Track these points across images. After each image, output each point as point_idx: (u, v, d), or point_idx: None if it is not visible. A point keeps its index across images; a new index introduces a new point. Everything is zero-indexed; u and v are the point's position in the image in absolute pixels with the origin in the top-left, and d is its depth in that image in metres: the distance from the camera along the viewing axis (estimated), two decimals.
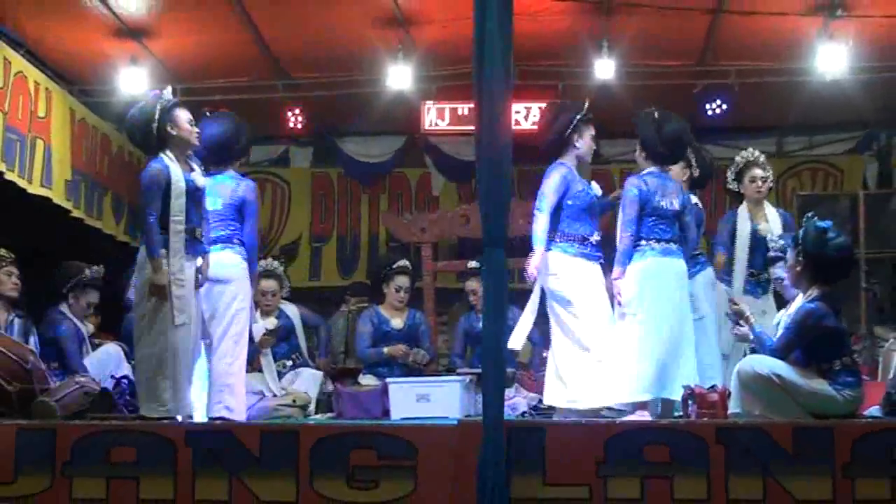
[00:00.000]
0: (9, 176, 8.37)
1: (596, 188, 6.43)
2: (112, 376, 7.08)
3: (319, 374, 7.84)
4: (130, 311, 7.95)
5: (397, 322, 8.00)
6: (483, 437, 4.91)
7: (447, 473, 5.11)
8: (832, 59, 9.12)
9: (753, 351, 5.94)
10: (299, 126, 10.60)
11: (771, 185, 7.51)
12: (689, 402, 5.62)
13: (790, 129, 11.29)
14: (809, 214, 5.88)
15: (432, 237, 9.53)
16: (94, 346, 7.82)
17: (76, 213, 9.49)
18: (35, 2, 8.58)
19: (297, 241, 11.64)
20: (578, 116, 6.33)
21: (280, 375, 7.63)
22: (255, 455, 5.24)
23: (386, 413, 6.73)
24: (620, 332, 6.08)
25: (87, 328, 7.98)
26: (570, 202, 6.25)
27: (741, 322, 5.88)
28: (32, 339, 7.30)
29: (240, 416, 6.25)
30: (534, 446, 5.11)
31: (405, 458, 5.17)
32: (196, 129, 6.14)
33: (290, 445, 5.25)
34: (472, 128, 5.48)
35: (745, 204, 7.40)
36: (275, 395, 7.36)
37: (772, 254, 6.94)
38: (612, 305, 6.19)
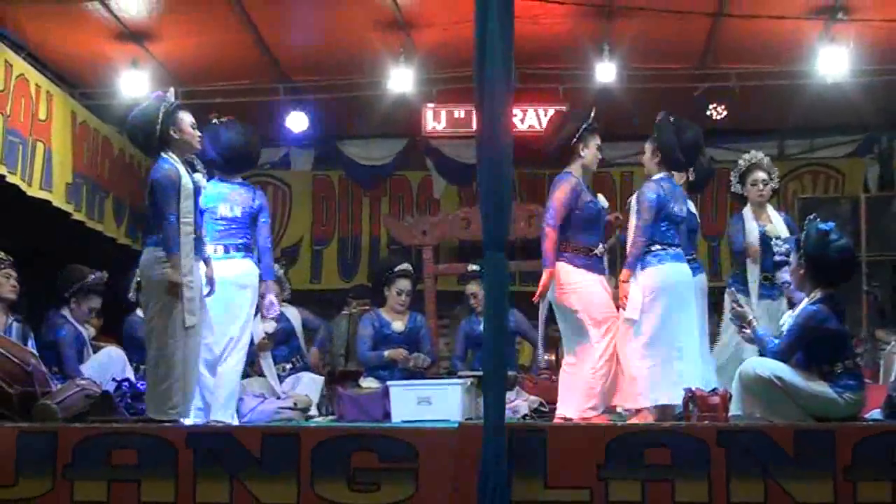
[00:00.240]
0: (10, 179, 8.36)
1: (602, 200, 6.41)
2: (113, 379, 7.08)
3: (320, 378, 7.84)
4: (131, 312, 8.00)
5: (398, 325, 8.00)
6: (484, 440, 4.91)
7: (448, 476, 5.11)
8: (833, 62, 9.11)
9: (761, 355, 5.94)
10: (300, 129, 10.60)
11: (775, 186, 7.50)
12: (691, 404, 5.62)
13: (791, 132, 11.29)
14: (811, 217, 5.87)
15: (433, 240, 9.53)
16: (96, 350, 7.82)
17: (77, 216, 9.47)
18: (36, 5, 8.57)
19: (298, 243, 11.64)
20: (584, 126, 6.31)
21: (280, 379, 7.64)
22: (257, 457, 5.23)
23: (387, 416, 6.73)
24: (626, 337, 6.09)
25: (89, 332, 7.99)
26: (577, 212, 6.25)
27: (744, 325, 5.89)
28: (30, 344, 7.26)
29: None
30: (535, 449, 5.10)
31: (406, 461, 5.16)
32: (198, 133, 6.13)
33: (291, 448, 5.23)
34: (473, 131, 5.47)
35: (748, 206, 7.40)
36: (277, 398, 7.36)
37: (777, 258, 6.94)
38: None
